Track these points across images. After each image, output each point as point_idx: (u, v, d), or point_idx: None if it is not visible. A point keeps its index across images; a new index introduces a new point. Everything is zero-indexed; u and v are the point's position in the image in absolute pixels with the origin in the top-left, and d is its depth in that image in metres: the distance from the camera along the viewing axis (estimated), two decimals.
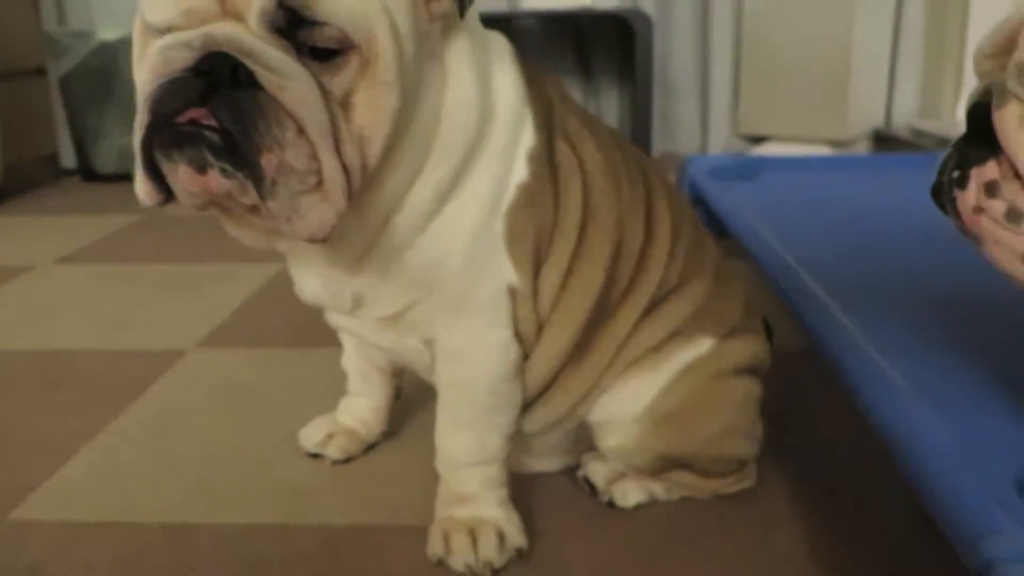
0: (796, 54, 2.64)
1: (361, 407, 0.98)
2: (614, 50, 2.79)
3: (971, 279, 1.07)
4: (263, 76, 0.59)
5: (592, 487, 0.88)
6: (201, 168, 0.60)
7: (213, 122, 0.59)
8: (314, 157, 0.60)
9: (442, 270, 0.72)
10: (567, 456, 0.92)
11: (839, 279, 1.10)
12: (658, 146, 2.81)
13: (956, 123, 2.59)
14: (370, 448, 0.99)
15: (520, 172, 0.73)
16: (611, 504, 0.86)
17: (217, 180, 0.60)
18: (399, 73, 0.63)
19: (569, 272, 0.77)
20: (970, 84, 2.25)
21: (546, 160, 0.75)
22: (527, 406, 0.82)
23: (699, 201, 1.67)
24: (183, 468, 0.96)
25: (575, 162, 0.78)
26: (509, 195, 0.73)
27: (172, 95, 0.59)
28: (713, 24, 2.76)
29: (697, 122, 2.88)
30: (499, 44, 0.75)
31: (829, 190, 1.69)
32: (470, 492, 0.80)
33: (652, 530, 0.83)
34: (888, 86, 2.83)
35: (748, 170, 1.82)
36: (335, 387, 1.02)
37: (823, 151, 2.60)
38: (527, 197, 0.73)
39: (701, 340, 0.83)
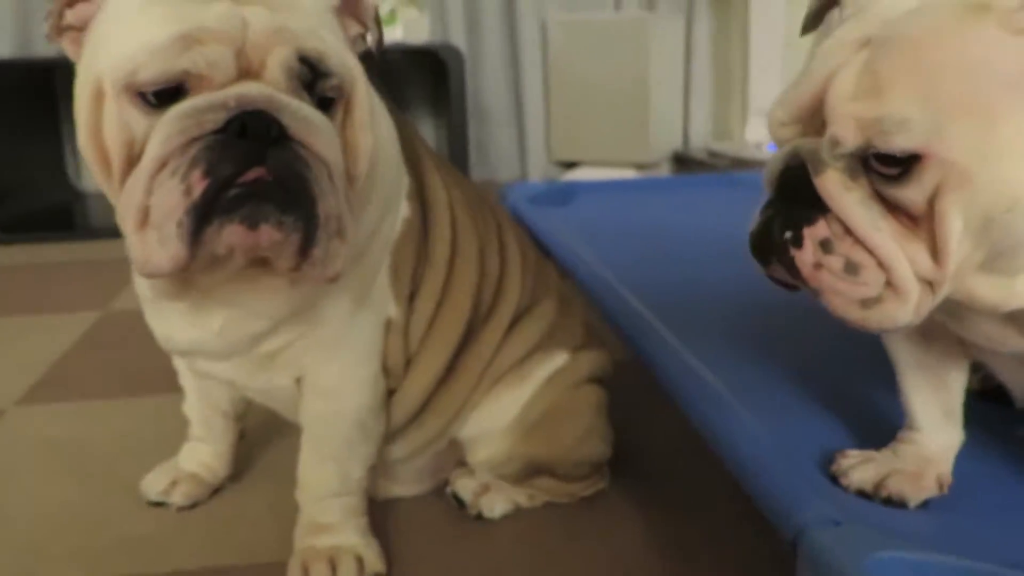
0: (600, 85, 2.80)
1: (204, 452, 0.97)
2: (427, 83, 2.86)
3: (770, 289, 1.20)
4: (294, 129, 0.60)
5: (460, 502, 0.91)
6: (255, 225, 0.60)
7: (271, 177, 0.59)
8: (338, 202, 0.63)
9: (334, 307, 0.75)
10: (428, 481, 0.96)
11: (653, 293, 1.19)
12: (477, 174, 2.90)
13: (745, 144, 2.83)
14: (215, 492, 0.98)
15: (404, 208, 0.77)
16: (479, 516, 0.90)
17: (269, 233, 0.60)
18: (369, 115, 0.66)
19: (440, 303, 0.82)
20: (756, 108, 2.46)
21: (419, 197, 0.79)
22: (400, 431, 0.86)
23: (520, 227, 1.74)
24: (16, 531, 0.91)
25: (444, 199, 0.83)
26: (395, 230, 0.76)
27: (223, 157, 0.59)
28: (522, 57, 2.89)
29: (514, 150, 2.99)
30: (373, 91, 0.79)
31: (637, 210, 1.82)
32: (330, 522, 0.82)
33: (506, 541, 0.88)
34: (684, 112, 3.06)
35: (563, 196, 1.92)
36: (167, 436, 1.01)
37: (629, 173, 2.77)
38: (410, 232, 0.77)
39: (557, 354, 0.90)
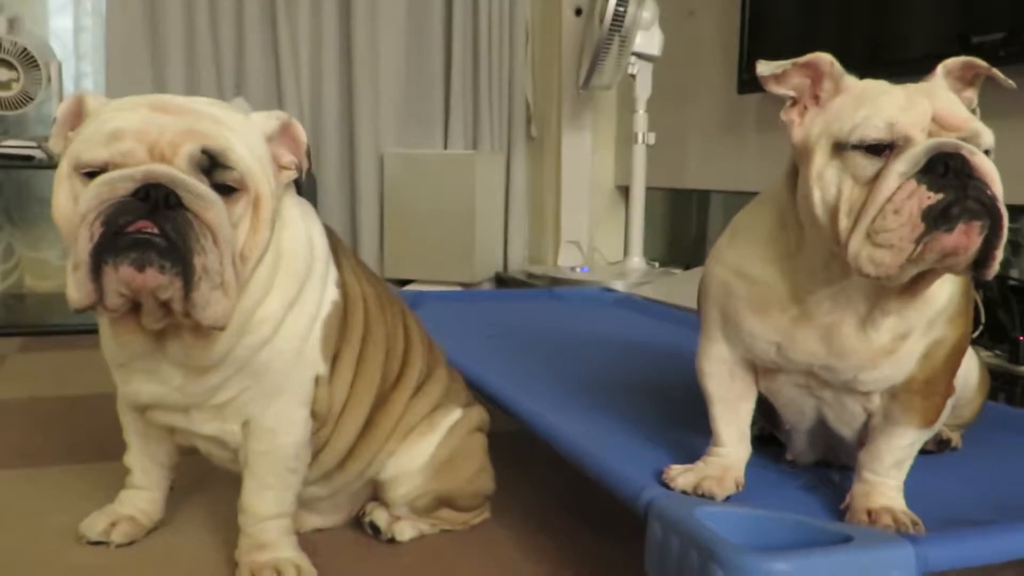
0: (430, 212, 3.13)
1: (141, 498, 1.12)
2: None
3: (588, 368, 1.50)
4: (190, 201, 0.81)
5: (376, 529, 1.12)
6: (141, 267, 0.79)
7: (156, 231, 0.79)
8: (221, 263, 0.83)
9: (277, 363, 0.95)
10: (343, 513, 1.15)
11: (511, 377, 1.46)
12: None
13: (559, 268, 3.22)
14: (148, 534, 1.12)
15: (332, 293, 1.00)
16: (392, 540, 1.11)
17: (154, 277, 0.80)
18: (272, 214, 0.88)
19: (356, 374, 1.04)
20: (566, 238, 2.87)
21: (343, 288, 1.02)
22: (327, 474, 1.06)
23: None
24: None
25: (359, 292, 1.06)
26: (326, 309, 0.99)
27: (121, 212, 0.79)
28: (360, 184, 3.17)
29: None
30: (305, 203, 1.02)
31: (477, 315, 2.10)
32: (270, 540, 1.00)
33: (412, 556, 1.08)
34: (504, 239, 3.43)
35: (415, 301, 2.18)
36: (78, 499, 1.16)
37: (457, 291, 3.07)
38: (336, 311, 1.00)
39: (454, 409, 1.14)
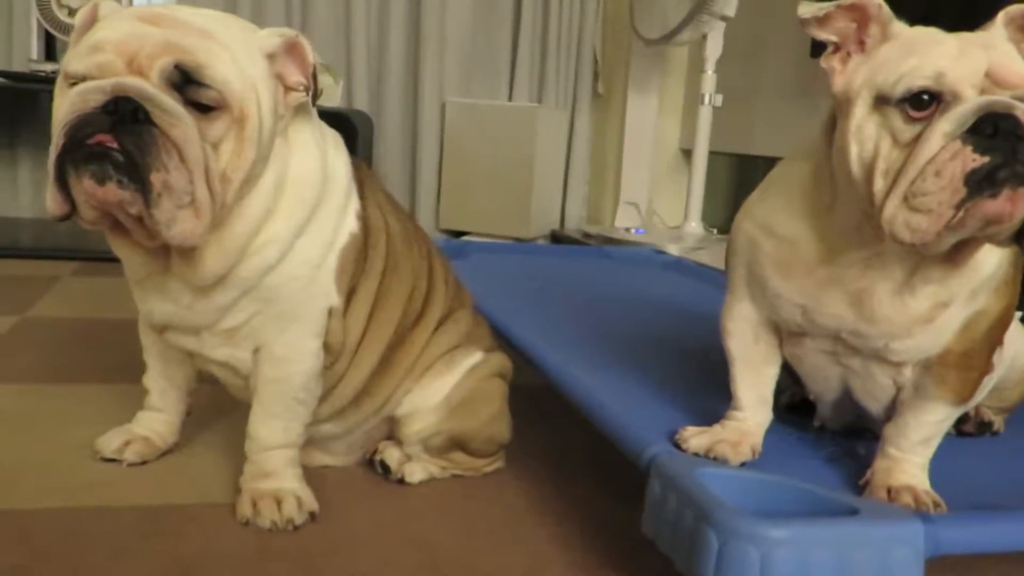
0: (489, 164, 3.09)
1: (157, 420, 1.13)
2: None
3: (624, 326, 1.46)
4: (157, 116, 0.79)
5: (386, 468, 1.11)
6: (101, 181, 0.78)
7: (116, 146, 0.78)
8: (190, 182, 0.81)
9: (287, 289, 0.93)
10: (356, 454, 1.14)
11: (544, 330, 1.44)
12: None
13: (615, 228, 3.16)
14: (162, 456, 1.13)
15: (352, 224, 0.98)
16: (401, 481, 1.10)
17: (114, 191, 0.79)
18: (259, 135, 0.86)
19: (374, 307, 1.02)
20: (625, 199, 2.83)
21: (364, 220, 1.00)
22: (340, 412, 1.05)
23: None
24: None
25: (383, 226, 1.04)
26: (343, 240, 0.97)
27: (86, 124, 0.78)
28: (421, 132, 3.15)
29: None
30: (335, 135, 1.00)
31: (523, 268, 2.07)
32: (274, 469, 1.00)
33: (418, 497, 1.07)
34: (563, 197, 3.39)
35: (461, 251, 2.16)
36: (105, 415, 1.18)
37: (506, 243, 3.04)
38: (354, 243, 0.98)
39: (474, 352, 1.12)
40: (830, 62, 0.81)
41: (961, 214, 0.71)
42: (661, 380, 1.19)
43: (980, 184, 0.70)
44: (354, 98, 3.07)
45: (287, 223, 0.92)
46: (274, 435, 1.00)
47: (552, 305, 1.65)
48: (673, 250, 2.55)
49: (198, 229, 0.82)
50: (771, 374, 0.99)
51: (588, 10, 3.32)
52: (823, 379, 0.98)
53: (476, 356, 1.12)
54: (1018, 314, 1.79)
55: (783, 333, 0.96)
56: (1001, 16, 0.79)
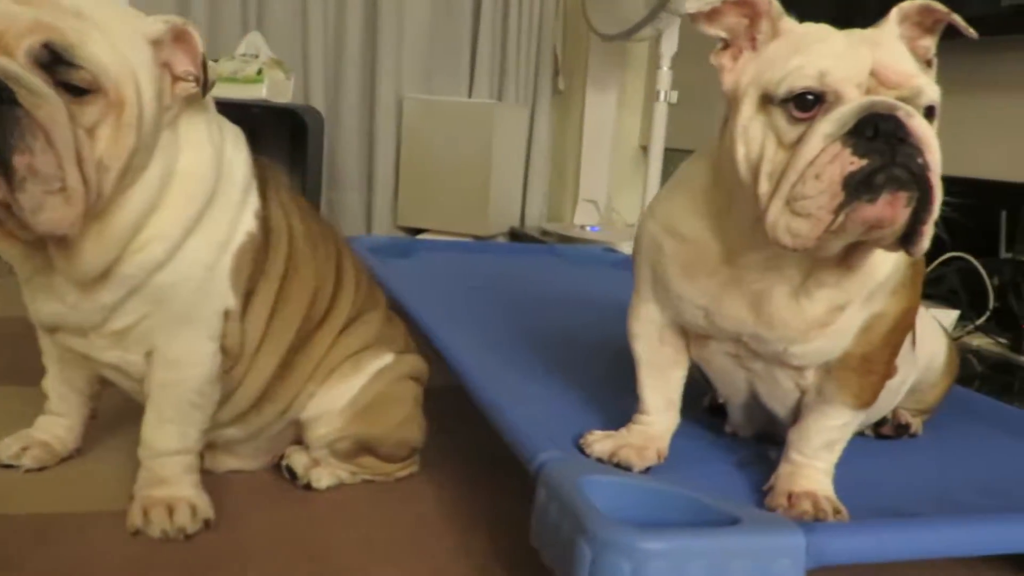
0: (447, 161, 3.06)
1: (57, 424, 1.09)
2: (286, 141, 3.03)
3: (559, 326, 1.44)
4: (23, 96, 0.76)
5: (293, 473, 1.08)
6: None
7: None
8: (59, 167, 0.77)
9: (179, 289, 0.90)
10: (264, 458, 1.11)
11: (470, 331, 1.41)
12: None
13: (571, 227, 3.14)
14: (62, 462, 1.09)
15: (249, 223, 0.94)
16: (308, 487, 1.07)
17: None
18: (139, 122, 0.82)
19: (275, 310, 0.99)
20: (584, 196, 2.79)
21: (264, 220, 0.97)
22: (241, 416, 1.02)
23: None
24: None
25: (284, 226, 1.01)
26: (239, 239, 0.93)
27: None
28: (377, 128, 3.11)
29: (362, 212, 3.18)
30: (236, 131, 0.97)
31: (467, 266, 2.05)
32: (168, 475, 0.96)
33: (324, 504, 1.04)
34: (522, 194, 3.36)
35: (404, 249, 2.13)
36: (9, 419, 1.13)
37: (456, 241, 3.01)
38: (252, 243, 0.94)
39: (385, 354, 1.09)
40: (719, 59, 0.79)
41: (841, 219, 0.69)
42: (584, 383, 1.17)
43: (858, 188, 0.68)
44: (310, 93, 3.02)
45: (174, 219, 0.89)
46: (168, 441, 0.97)
47: (487, 305, 1.62)
48: (625, 248, 2.53)
49: (68, 217, 0.79)
50: (678, 377, 0.97)
51: (548, 5, 3.30)
52: (730, 382, 0.96)
53: (386, 358, 1.09)
54: (954, 313, 1.79)
55: (690, 335, 0.94)
56: (895, 13, 0.77)
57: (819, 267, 0.80)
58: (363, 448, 1.08)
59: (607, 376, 1.21)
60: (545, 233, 3.10)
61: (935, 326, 1.09)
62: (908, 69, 0.72)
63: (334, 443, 1.06)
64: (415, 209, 3.15)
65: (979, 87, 2.08)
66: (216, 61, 2.62)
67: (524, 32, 3.28)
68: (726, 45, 0.79)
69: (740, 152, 0.76)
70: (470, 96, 3.29)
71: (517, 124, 3.25)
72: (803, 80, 0.71)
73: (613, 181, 3.24)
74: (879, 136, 0.67)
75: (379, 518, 1.03)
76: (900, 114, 0.68)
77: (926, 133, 0.68)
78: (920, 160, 0.68)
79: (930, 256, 2.04)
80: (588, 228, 2.98)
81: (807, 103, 0.71)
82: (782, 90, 0.72)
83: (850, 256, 0.78)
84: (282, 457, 1.10)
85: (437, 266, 2.02)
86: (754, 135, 0.74)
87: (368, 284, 1.14)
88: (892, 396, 1.03)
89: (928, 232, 0.69)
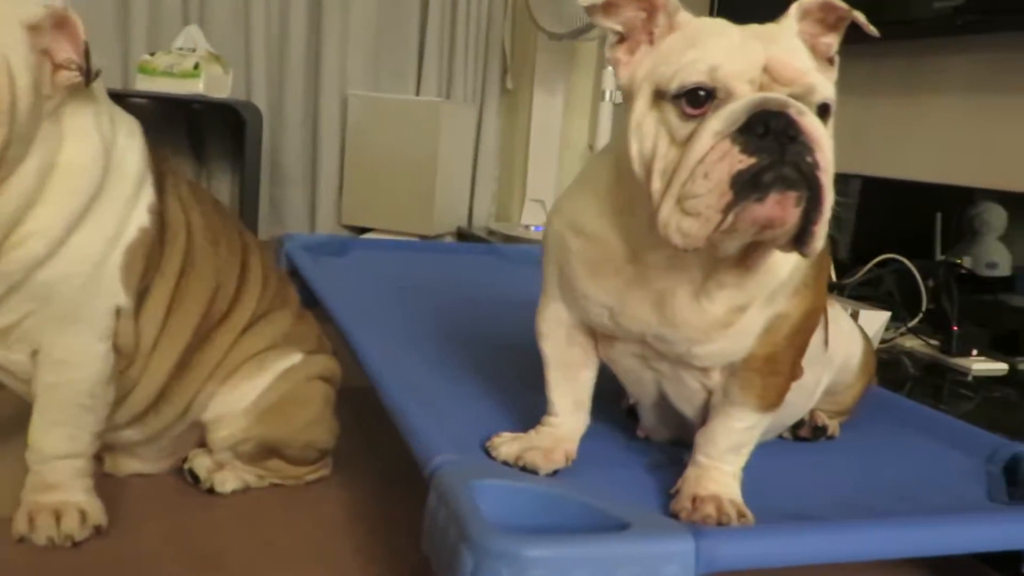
0: (393, 159, 3.02)
1: None
2: (229, 138, 2.98)
3: (485, 327, 1.42)
4: None
5: (195, 477, 1.04)
6: None
7: None
8: None
9: (64, 287, 0.86)
10: (167, 460, 1.08)
11: (392, 331, 1.38)
12: (268, 229, 3.01)
13: (517, 226, 3.12)
14: None
15: (142, 218, 0.91)
16: (211, 491, 1.03)
17: None
18: (11, 112, 0.78)
19: (171, 308, 0.96)
20: (532, 196, 2.76)
21: (159, 215, 0.93)
22: (139, 417, 0.98)
23: (294, 273, 1.89)
24: None
25: (183, 221, 0.97)
26: (131, 235, 0.90)
27: None
28: (322, 125, 3.07)
29: (306, 210, 3.14)
30: (131, 122, 0.93)
31: (403, 266, 2.02)
32: (58, 480, 0.92)
33: (226, 509, 1.01)
34: (470, 194, 3.34)
35: (340, 248, 2.10)
36: None
37: (394, 240, 2.96)
38: (144, 239, 0.91)
39: (292, 353, 1.05)
40: (614, 53, 0.77)
41: (731, 218, 0.67)
42: (504, 384, 1.14)
43: (745, 187, 0.66)
44: (253, 89, 2.97)
45: (56, 214, 0.85)
46: (57, 444, 0.93)
47: (415, 305, 1.60)
48: None
49: None
50: (587, 378, 0.95)
51: (496, 3, 3.27)
52: (638, 383, 0.94)
53: (293, 358, 1.06)
54: (885, 315, 1.79)
55: (598, 336, 0.92)
56: (794, 8, 0.76)
57: (719, 267, 0.78)
58: (269, 450, 1.05)
59: (529, 377, 1.18)
60: (492, 233, 3.08)
61: (851, 326, 1.09)
62: (802, 66, 0.70)
63: (237, 445, 1.03)
64: (360, 208, 3.11)
65: (914, 90, 2.09)
66: (153, 55, 2.56)
67: (472, 30, 3.26)
68: (621, 39, 0.77)
69: (634, 149, 0.74)
70: (418, 94, 3.26)
71: (465, 123, 3.22)
72: (694, 75, 0.69)
73: (561, 181, 3.22)
74: (769, 134, 0.66)
75: (283, 523, 1.00)
76: (791, 111, 0.67)
77: (817, 131, 0.67)
78: (810, 159, 0.66)
79: (864, 258, 2.05)
80: (533, 228, 2.96)
81: (698, 99, 0.69)
82: (674, 85, 0.70)
83: (748, 256, 0.77)
84: (184, 460, 1.07)
85: (372, 265, 1.99)
86: (647, 131, 0.73)
87: (277, 282, 1.11)
88: (807, 398, 1.03)
89: (820, 232, 0.68)
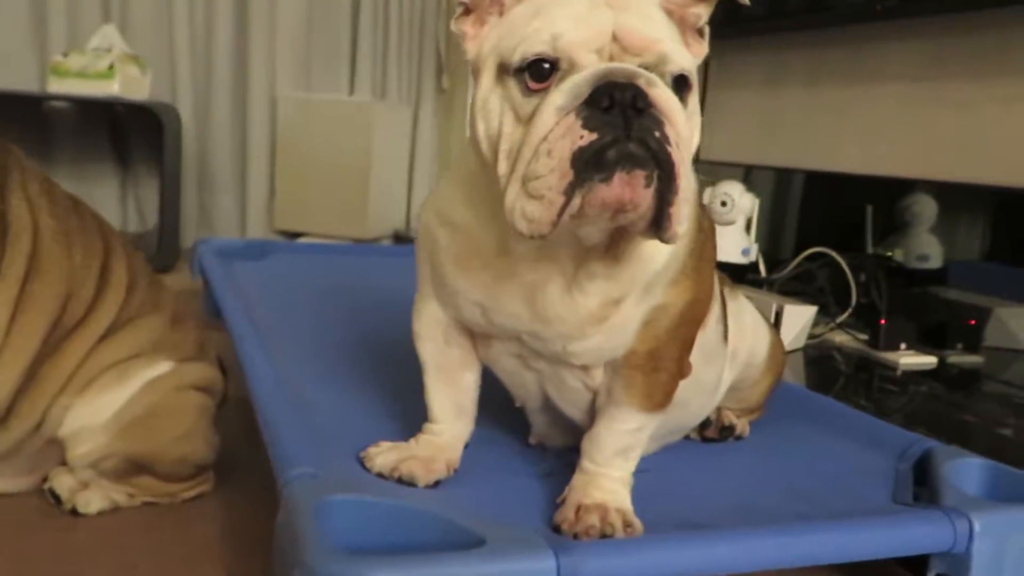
0: (325, 162, 2.94)
1: None
2: (155, 141, 2.87)
3: (396, 332, 1.35)
4: None
5: (57, 497, 0.96)
6: None
7: None
8: None
9: None
10: (27, 478, 1.00)
11: (291, 338, 1.31)
12: (196, 236, 2.91)
13: None
14: None
15: None
16: (74, 512, 0.95)
17: None
18: None
19: (15, 316, 0.88)
20: None
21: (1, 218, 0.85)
22: None
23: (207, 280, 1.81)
24: None
25: (28, 223, 0.89)
26: None
27: None
28: (250, 128, 2.98)
29: (236, 215, 3.05)
30: None
31: (325, 269, 1.94)
32: None
33: (87, 531, 0.93)
34: (407, 195, 3.27)
35: (260, 252, 2.01)
36: None
37: (318, 243, 2.88)
38: None
39: (161, 362, 0.98)
40: (461, 26, 0.71)
41: (578, 201, 0.62)
42: (397, 392, 1.07)
43: (587, 165, 0.60)
44: (177, 91, 2.88)
45: None
46: None
47: (325, 310, 1.53)
48: None
49: None
50: (469, 381, 0.89)
51: (430, 1, 3.21)
52: (520, 385, 0.88)
53: (162, 367, 0.98)
54: (812, 309, 1.75)
55: (475, 335, 0.86)
56: None
57: (589, 258, 0.73)
58: (136, 467, 0.97)
59: (405, 388, 1.12)
60: None
61: (756, 320, 1.04)
62: (653, 34, 0.65)
63: (99, 462, 0.95)
64: (293, 212, 3.02)
65: (845, 80, 2.06)
66: (66, 56, 2.46)
67: (406, 28, 3.19)
68: (467, 10, 0.71)
69: (480, 129, 0.68)
70: (351, 95, 3.18)
71: (400, 124, 3.16)
72: (536, 45, 0.64)
73: None
74: (615, 107, 0.60)
75: (151, 544, 0.93)
76: (640, 82, 0.61)
77: (668, 104, 0.61)
78: (659, 133, 0.60)
79: (793, 251, 2.02)
80: None
81: (541, 72, 0.64)
82: (516, 58, 0.65)
83: (615, 245, 0.71)
84: (45, 479, 0.99)
85: (290, 269, 1.91)
86: (492, 110, 0.67)
87: (148, 287, 1.03)
88: (708, 396, 0.98)
89: (678, 215, 0.62)
